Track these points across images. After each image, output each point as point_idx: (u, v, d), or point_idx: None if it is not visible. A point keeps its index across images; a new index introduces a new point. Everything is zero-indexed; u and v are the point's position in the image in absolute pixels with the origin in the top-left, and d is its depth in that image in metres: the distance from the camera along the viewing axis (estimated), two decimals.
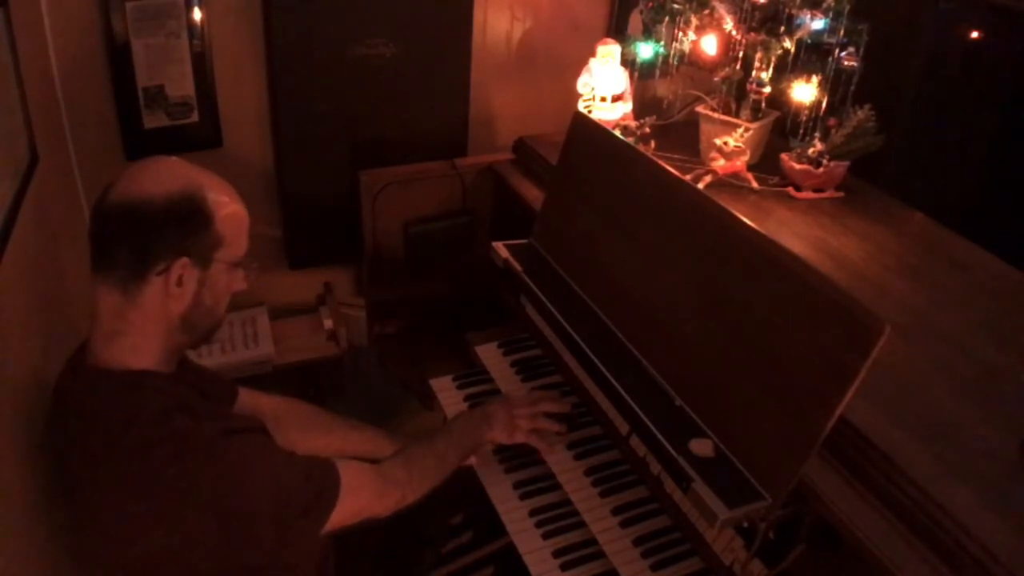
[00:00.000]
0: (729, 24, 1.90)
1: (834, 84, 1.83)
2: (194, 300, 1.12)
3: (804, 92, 1.86)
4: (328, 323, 2.24)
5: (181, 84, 1.93)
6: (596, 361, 1.40)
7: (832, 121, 1.86)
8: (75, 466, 1.09)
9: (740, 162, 1.87)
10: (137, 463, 1.02)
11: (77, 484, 1.08)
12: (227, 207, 1.13)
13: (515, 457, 1.57)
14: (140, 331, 1.11)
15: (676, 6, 1.92)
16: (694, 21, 1.92)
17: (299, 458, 1.19)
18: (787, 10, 1.83)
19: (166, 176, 1.10)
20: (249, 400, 1.50)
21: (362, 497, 1.22)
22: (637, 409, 1.29)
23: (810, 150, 1.85)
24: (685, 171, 1.89)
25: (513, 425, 1.47)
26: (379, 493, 1.26)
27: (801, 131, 1.91)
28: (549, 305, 1.54)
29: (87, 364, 1.12)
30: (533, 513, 1.46)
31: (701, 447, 1.21)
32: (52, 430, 1.17)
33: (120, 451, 1.03)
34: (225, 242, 1.13)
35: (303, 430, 1.54)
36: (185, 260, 1.08)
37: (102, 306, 1.11)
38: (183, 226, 1.08)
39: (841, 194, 1.89)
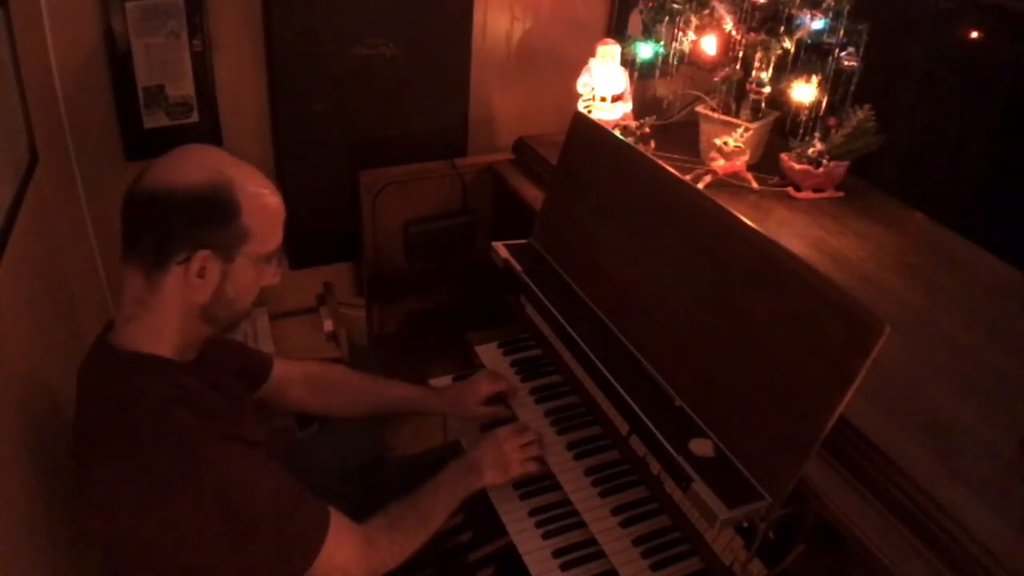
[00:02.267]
0: (729, 24, 1.90)
1: (834, 84, 1.84)
2: (216, 292, 1.10)
3: (804, 92, 1.86)
4: (328, 323, 2.24)
5: (181, 84, 1.93)
6: (596, 361, 1.40)
7: (832, 121, 1.86)
8: (81, 441, 1.09)
9: (740, 162, 1.87)
10: (129, 449, 1.02)
11: (81, 459, 1.08)
12: (256, 201, 1.10)
13: None
14: (159, 317, 1.10)
15: (676, 6, 1.92)
16: (694, 21, 1.92)
17: (297, 486, 1.16)
18: (787, 10, 1.83)
19: (196, 165, 1.08)
20: (283, 371, 1.51)
21: (343, 552, 1.18)
22: (637, 409, 1.29)
23: (810, 150, 1.85)
24: (685, 171, 1.89)
25: (505, 463, 1.43)
26: (360, 557, 1.21)
27: (801, 131, 1.91)
28: (549, 305, 1.54)
29: (107, 342, 1.12)
30: (533, 513, 1.46)
31: (701, 447, 1.21)
32: (76, 405, 1.16)
33: (116, 434, 1.03)
34: (251, 237, 1.10)
35: (340, 392, 1.56)
36: (206, 252, 1.07)
37: (127, 288, 1.10)
38: (206, 218, 1.06)
39: (841, 194, 1.89)
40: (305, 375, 1.55)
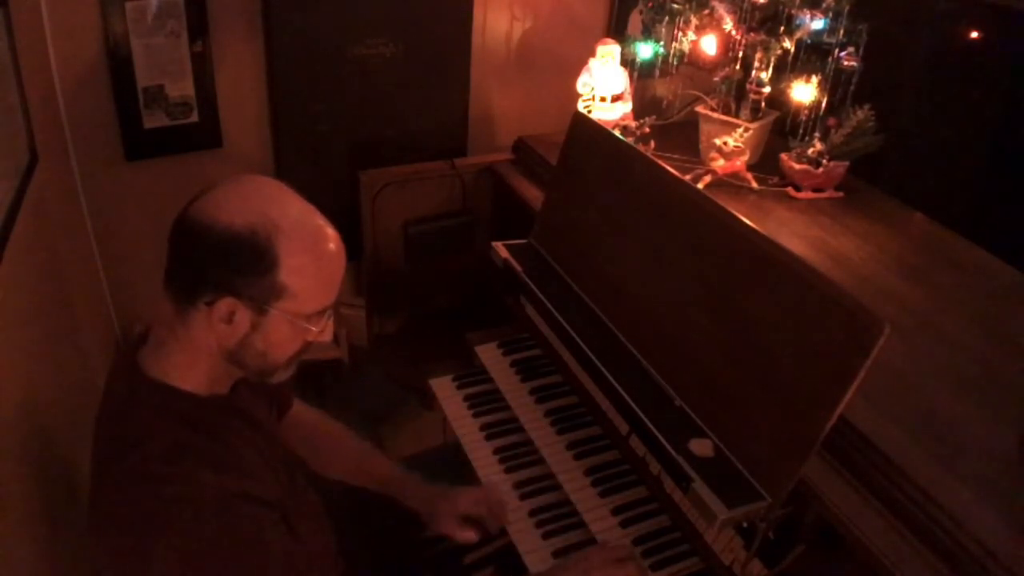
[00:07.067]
0: (729, 24, 1.90)
1: (834, 84, 1.84)
2: (243, 340, 1.01)
3: (804, 92, 1.86)
4: None
5: (181, 84, 1.93)
6: (596, 361, 1.40)
7: (832, 121, 1.87)
8: (96, 453, 1.05)
9: (740, 162, 1.88)
10: (131, 488, 0.97)
11: (94, 463, 1.04)
12: (301, 258, 0.99)
13: (514, 457, 1.57)
14: (186, 350, 1.03)
15: (676, 6, 1.92)
16: (694, 21, 1.92)
17: (305, 555, 1.09)
18: (787, 10, 1.83)
19: (246, 204, 0.98)
20: (295, 411, 1.45)
21: None
22: (637, 409, 1.29)
23: (810, 150, 1.86)
24: (685, 171, 1.89)
25: None
26: None
27: (801, 131, 1.91)
28: (549, 305, 1.54)
29: (136, 361, 1.05)
30: (533, 513, 1.46)
31: (701, 447, 1.21)
32: (100, 407, 1.10)
33: (123, 467, 0.98)
34: (288, 295, 0.99)
35: (326, 451, 1.47)
36: (232, 300, 0.98)
37: (162, 309, 1.03)
38: (238, 265, 0.96)
39: (841, 194, 1.89)
40: (312, 424, 1.47)
